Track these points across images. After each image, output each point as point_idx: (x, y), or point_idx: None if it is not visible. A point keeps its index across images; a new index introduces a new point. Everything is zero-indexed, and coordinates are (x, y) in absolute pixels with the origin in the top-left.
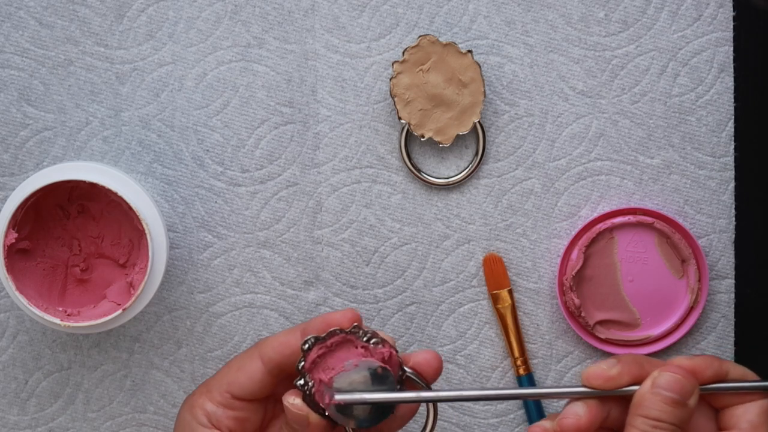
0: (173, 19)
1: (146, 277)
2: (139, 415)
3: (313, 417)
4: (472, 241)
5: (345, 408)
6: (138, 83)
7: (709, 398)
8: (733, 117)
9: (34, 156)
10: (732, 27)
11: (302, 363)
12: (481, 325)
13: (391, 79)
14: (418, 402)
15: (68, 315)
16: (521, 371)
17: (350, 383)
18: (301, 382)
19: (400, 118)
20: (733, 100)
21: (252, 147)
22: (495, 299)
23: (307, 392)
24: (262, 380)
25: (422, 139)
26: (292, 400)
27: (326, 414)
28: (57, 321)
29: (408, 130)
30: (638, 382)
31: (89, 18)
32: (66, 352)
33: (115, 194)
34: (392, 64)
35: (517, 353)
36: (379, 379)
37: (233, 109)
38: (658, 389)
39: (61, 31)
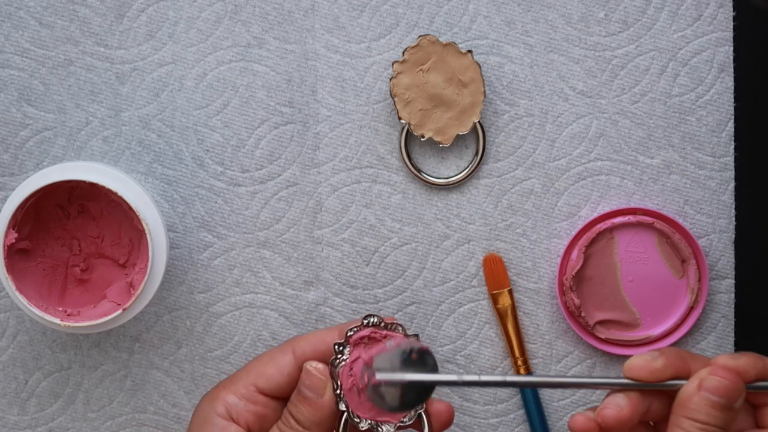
0: (173, 19)
1: (146, 277)
2: (139, 415)
3: (330, 389)
4: (472, 241)
5: (378, 391)
6: (138, 83)
7: (749, 395)
8: (733, 117)
9: (34, 156)
10: (732, 27)
11: (352, 333)
12: (481, 325)
13: (391, 79)
14: (456, 385)
15: (68, 315)
16: (521, 371)
17: (391, 363)
18: (340, 348)
19: (400, 118)
20: (733, 100)
21: (252, 147)
22: (495, 299)
23: (335, 363)
24: (290, 374)
25: (422, 139)
26: (316, 365)
27: (341, 395)
28: (57, 321)
29: (408, 130)
30: (680, 376)
31: (89, 18)
32: (66, 352)
33: (115, 194)
34: (392, 64)
35: (517, 353)
36: (420, 362)
37: (233, 109)
38: (705, 393)
39: (61, 31)
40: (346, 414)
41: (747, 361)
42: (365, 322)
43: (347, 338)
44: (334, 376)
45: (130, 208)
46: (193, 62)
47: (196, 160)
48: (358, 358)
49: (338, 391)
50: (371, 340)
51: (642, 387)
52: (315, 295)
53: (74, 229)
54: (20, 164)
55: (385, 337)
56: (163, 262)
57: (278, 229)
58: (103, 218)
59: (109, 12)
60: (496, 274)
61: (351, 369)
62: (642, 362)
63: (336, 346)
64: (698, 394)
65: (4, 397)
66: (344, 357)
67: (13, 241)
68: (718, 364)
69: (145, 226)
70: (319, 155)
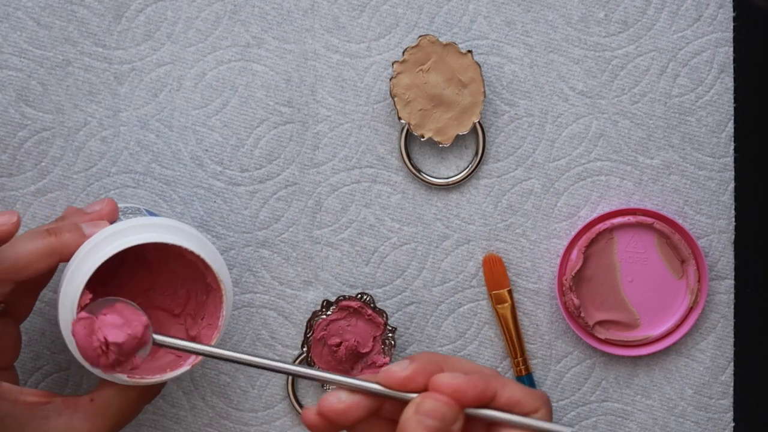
0: (172, 19)
1: (218, 334)
2: (138, 415)
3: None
4: (472, 241)
5: None
6: (136, 83)
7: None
8: (733, 117)
9: (33, 156)
10: (732, 27)
11: (344, 299)
12: (480, 325)
13: (391, 79)
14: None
15: (131, 369)
16: (521, 371)
17: None
18: (326, 304)
19: (399, 118)
20: (733, 100)
21: (251, 146)
22: (495, 299)
23: (318, 314)
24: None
25: (422, 139)
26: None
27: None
28: (123, 377)
29: (408, 130)
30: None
31: (87, 18)
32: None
33: (192, 253)
34: (392, 64)
35: (517, 353)
36: None
37: (232, 109)
38: (420, 416)
39: (59, 31)
40: (304, 356)
41: (467, 382)
42: (358, 296)
43: (337, 300)
44: (311, 324)
45: (207, 267)
46: (192, 62)
47: (195, 160)
48: (336, 319)
49: (309, 336)
50: (356, 312)
51: (383, 394)
52: (314, 294)
53: (125, 277)
54: (18, 165)
55: (369, 315)
56: (228, 317)
57: (277, 229)
58: (157, 267)
59: (107, 12)
60: (495, 274)
61: (327, 325)
62: (390, 372)
63: (324, 302)
64: (413, 417)
65: None
66: (327, 313)
67: (88, 301)
68: (439, 382)
69: (222, 285)
70: (319, 155)
